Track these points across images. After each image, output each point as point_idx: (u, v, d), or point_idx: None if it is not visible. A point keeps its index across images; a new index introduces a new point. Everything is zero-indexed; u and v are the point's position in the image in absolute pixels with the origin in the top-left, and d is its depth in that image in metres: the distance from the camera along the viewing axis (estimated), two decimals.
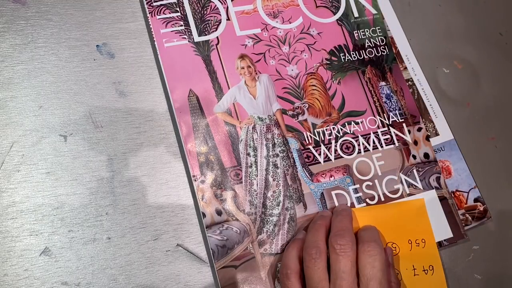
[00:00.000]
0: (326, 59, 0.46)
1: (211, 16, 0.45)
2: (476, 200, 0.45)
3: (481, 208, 0.45)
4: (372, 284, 0.34)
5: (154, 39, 0.42)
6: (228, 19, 0.45)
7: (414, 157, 0.45)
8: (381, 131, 0.45)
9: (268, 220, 0.40)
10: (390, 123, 0.46)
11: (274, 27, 0.46)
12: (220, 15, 0.45)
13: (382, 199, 0.43)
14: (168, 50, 0.42)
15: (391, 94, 0.46)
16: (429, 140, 0.46)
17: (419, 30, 0.51)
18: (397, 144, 0.45)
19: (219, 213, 0.39)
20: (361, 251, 0.36)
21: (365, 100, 0.46)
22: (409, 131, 0.46)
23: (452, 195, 0.45)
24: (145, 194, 0.39)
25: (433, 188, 0.44)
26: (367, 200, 0.43)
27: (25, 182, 0.37)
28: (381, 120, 0.45)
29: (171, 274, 0.38)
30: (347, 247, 0.35)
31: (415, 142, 0.46)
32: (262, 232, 0.40)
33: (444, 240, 0.43)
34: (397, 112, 0.46)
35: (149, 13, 0.43)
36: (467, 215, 0.45)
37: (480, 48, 0.52)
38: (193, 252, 0.39)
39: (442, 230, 0.43)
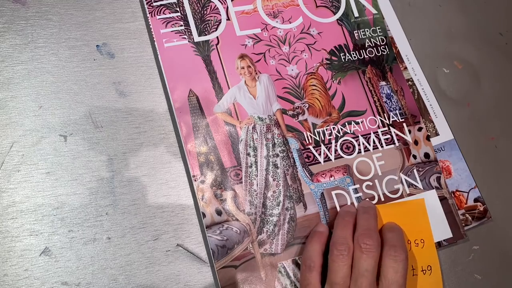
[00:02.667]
0: (326, 59, 0.46)
1: (211, 16, 0.45)
2: (476, 200, 0.45)
3: (481, 208, 0.45)
4: (393, 287, 0.35)
5: (154, 39, 0.42)
6: (228, 19, 0.45)
7: (415, 157, 0.45)
8: (381, 131, 0.45)
9: (268, 220, 0.40)
10: (391, 123, 0.45)
11: (274, 27, 0.46)
12: (220, 15, 0.45)
13: (382, 199, 0.43)
14: (168, 50, 0.42)
15: (392, 94, 0.46)
16: (429, 140, 0.46)
17: (419, 30, 0.51)
18: (397, 144, 0.45)
19: (219, 213, 0.39)
20: (386, 254, 0.36)
21: (366, 100, 0.46)
22: (410, 131, 0.46)
23: (452, 195, 0.45)
24: (145, 194, 0.39)
25: (433, 188, 0.44)
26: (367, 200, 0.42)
27: (25, 182, 0.37)
28: (381, 120, 0.45)
29: (171, 274, 0.38)
30: (373, 248, 0.36)
31: (416, 142, 0.46)
32: (262, 232, 0.40)
33: (444, 240, 0.43)
34: (397, 112, 0.46)
35: (149, 13, 0.43)
36: (467, 215, 0.45)
37: (480, 48, 0.52)
38: (193, 252, 0.39)
39: (441, 230, 0.43)
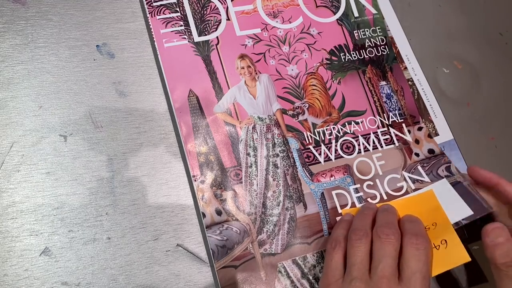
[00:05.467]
0: (326, 59, 0.46)
1: (211, 16, 0.45)
2: None
3: None
4: (416, 276, 0.33)
5: (154, 39, 0.42)
6: (228, 19, 0.45)
7: (417, 154, 0.45)
8: (381, 131, 0.45)
9: (268, 220, 0.40)
10: (390, 123, 0.46)
11: (274, 27, 0.46)
12: (220, 15, 0.45)
13: (385, 197, 0.43)
14: (168, 50, 0.42)
15: (392, 94, 0.46)
16: (432, 137, 0.46)
17: (419, 30, 0.51)
18: (397, 144, 0.45)
19: (219, 213, 0.39)
20: (407, 243, 0.35)
21: (365, 100, 0.46)
22: (409, 131, 0.46)
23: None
24: (145, 194, 0.39)
25: (442, 178, 0.43)
26: (368, 199, 0.42)
27: (25, 182, 0.37)
28: (381, 120, 0.45)
29: (171, 274, 0.38)
30: (393, 237, 0.35)
31: (417, 141, 0.45)
32: (262, 232, 0.40)
33: (463, 219, 0.39)
34: (396, 112, 0.46)
35: (149, 13, 0.43)
36: None
37: (480, 48, 0.52)
38: (193, 252, 0.39)
39: (459, 210, 0.39)
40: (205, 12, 0.45)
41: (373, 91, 0.46)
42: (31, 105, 0.39)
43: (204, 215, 0.39)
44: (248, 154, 0.41)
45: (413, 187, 0.43)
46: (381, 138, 0.45)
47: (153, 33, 0.43)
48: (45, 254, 0.36)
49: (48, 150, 0.38)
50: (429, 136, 0.46)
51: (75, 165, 0.38)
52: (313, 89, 0.45)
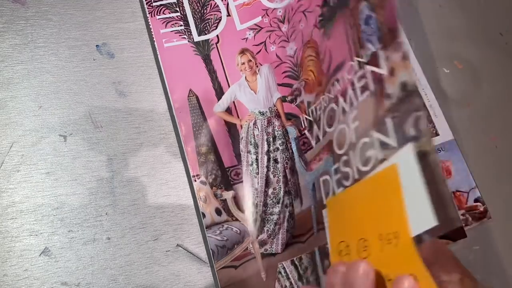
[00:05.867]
0: (319, 15, 0.40)
1: (211, 15, 0.45)
2: (476, 200, 0.45)
3: (481, 209, 0.45)
4: None
5: (154, 39, 0.42)
6: (228, 15, 0.45)
7: (389, 96, 0.29)
8: (357, 78, 0.33)
9: (269, 219, 0.40)
10: (369, 59, 0.32)
11: (275, 9, 0.45)
12: (220, 12, 0.45)
13: (356, 176, 0.32)
14: (168, 50, 0.42)
15: (371, 13, 0.32)
16: (408, 59, 0.28)
17: (419, 30, 0.51)
18: (372, 88, 0.32)
19: (219, 213, 0.39)
20: None
21: (345, 44, 0.36)
22: (387, 58, 0.30)
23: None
24: (145, 194, 0.39)
25: (410, 141, 0.26)
26: (343, 181, 0.34)
27: (25, 182, 0.37)
28: (358, 62, 0.34)
29: (171, 274, 0.38)
30: None
31: (392, 72, 0.30)
32: (263, 231, 0.40)
33: (425, 232, 0.24)
34: (375, 36, 0.31)
35: (149, 13, 0.43)
36: (467, 215, 0.44)
37: (480, 48, 0.52)
38: (193, 252, 0.39)
39: (420, 214, 0.24)
40: (205, 11, 0.45)
41: (352, 23, 0.34)
42: (31, 105, 0.39)
43: (204, 215, 0.39)
44: (249, 151, 0.41)
45: (379, 157, 0.29)
46: (357, 86, 0.33)
47: (153, 33, 0.43)
48: (45, 254, 0.36)
49: (48, 150, 0.38)
50: (404, 57, 0.28)
51: (75, 165, 0.38)
52: (309, 61, 0.43)
